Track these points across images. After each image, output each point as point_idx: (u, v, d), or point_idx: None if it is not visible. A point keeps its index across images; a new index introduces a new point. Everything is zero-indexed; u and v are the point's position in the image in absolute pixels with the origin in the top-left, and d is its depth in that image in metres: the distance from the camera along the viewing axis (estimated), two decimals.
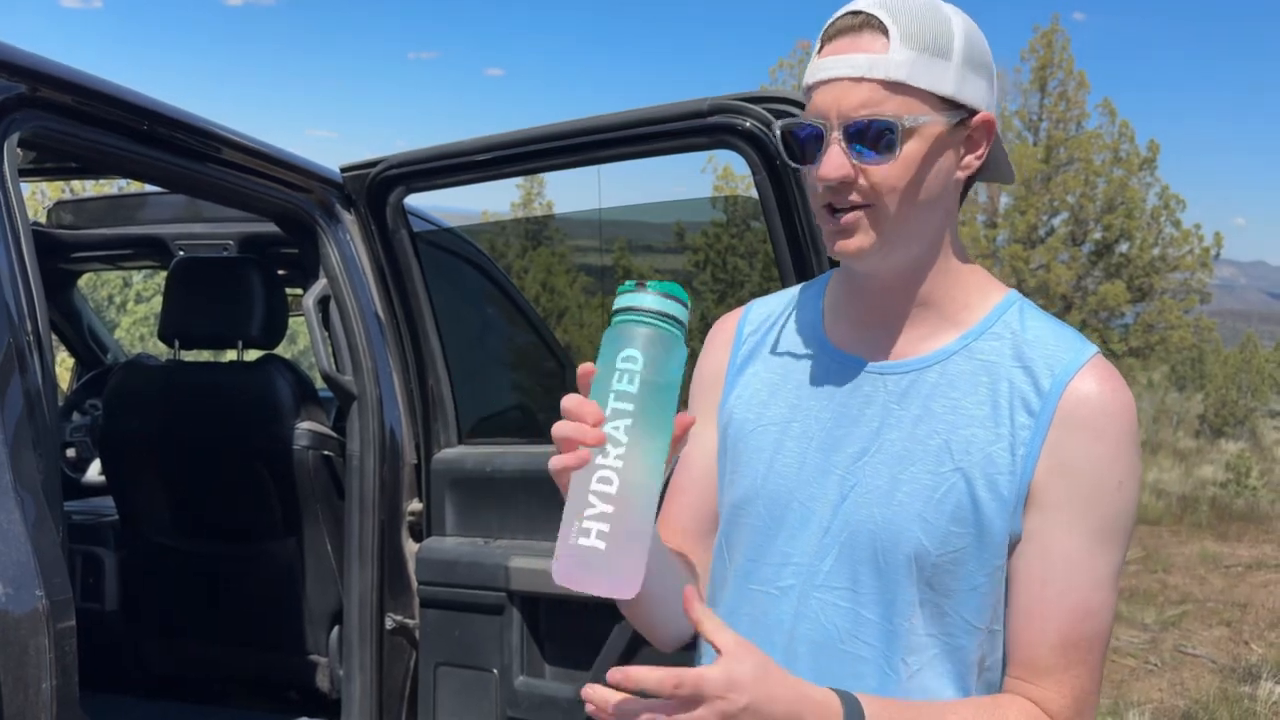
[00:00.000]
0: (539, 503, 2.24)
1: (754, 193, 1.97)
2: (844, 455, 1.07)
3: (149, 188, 3.39)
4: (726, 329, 1.24)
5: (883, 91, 0.98)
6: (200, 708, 2.86)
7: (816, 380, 1.12)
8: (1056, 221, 20.31)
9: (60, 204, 3.58)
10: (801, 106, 1.89)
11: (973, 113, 1.02)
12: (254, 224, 3.07)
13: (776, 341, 1.18)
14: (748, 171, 1.92)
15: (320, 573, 2.72)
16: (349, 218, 2.43)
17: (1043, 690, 1.02)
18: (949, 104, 1.00)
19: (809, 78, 1.04)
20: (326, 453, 2.65)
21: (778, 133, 1.07)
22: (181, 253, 3.14)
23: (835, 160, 0.99)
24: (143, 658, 2.96)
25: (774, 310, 1.22)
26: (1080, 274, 20.09)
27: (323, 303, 2.39)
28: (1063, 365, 1.02)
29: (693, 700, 0.86)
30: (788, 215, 1.86)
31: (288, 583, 2.74)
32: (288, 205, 2.35)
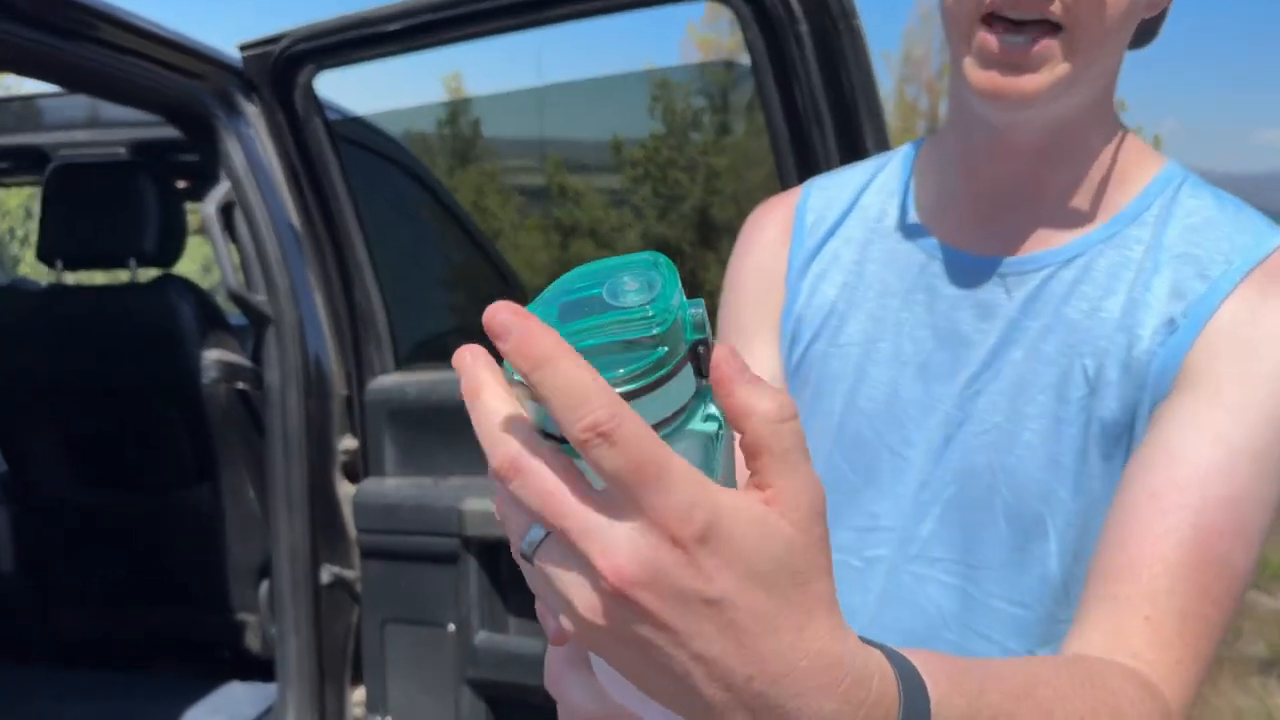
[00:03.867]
0: None
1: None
2: (951, 384, 0.80)
3: (22, 89, 2.95)
4: (780, 216, 0.93)
5: None
6: (120, 675, 2.55)
7: (912, 286, 0.84)
8: None
9: None
10: None
11: None
12: (148, 129, 2.68)
13: (851, 235, 0.89)
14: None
15: (243, 522, 2.41)
16: (253, 110, 2.08)
17: (1143, 639, 0.63)
18: None
19: None
20: (240, 385, 2.32)
21: None
22: None
23: None
24: (51, 624, 2.64)
25: (842, 193, 0.91)
26: None
27: (226, 210, 2.04)
28: (1242, 253, 0.74)
29: (624, 510, 0.37)
30: (785, 82, 1.56)
31: (207, 534, 2.43)
32: (176, 95, 1.99)
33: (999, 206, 0.81)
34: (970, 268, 0.81)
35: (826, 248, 0.89)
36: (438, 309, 2.72)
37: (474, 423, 0.39)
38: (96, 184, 2.35)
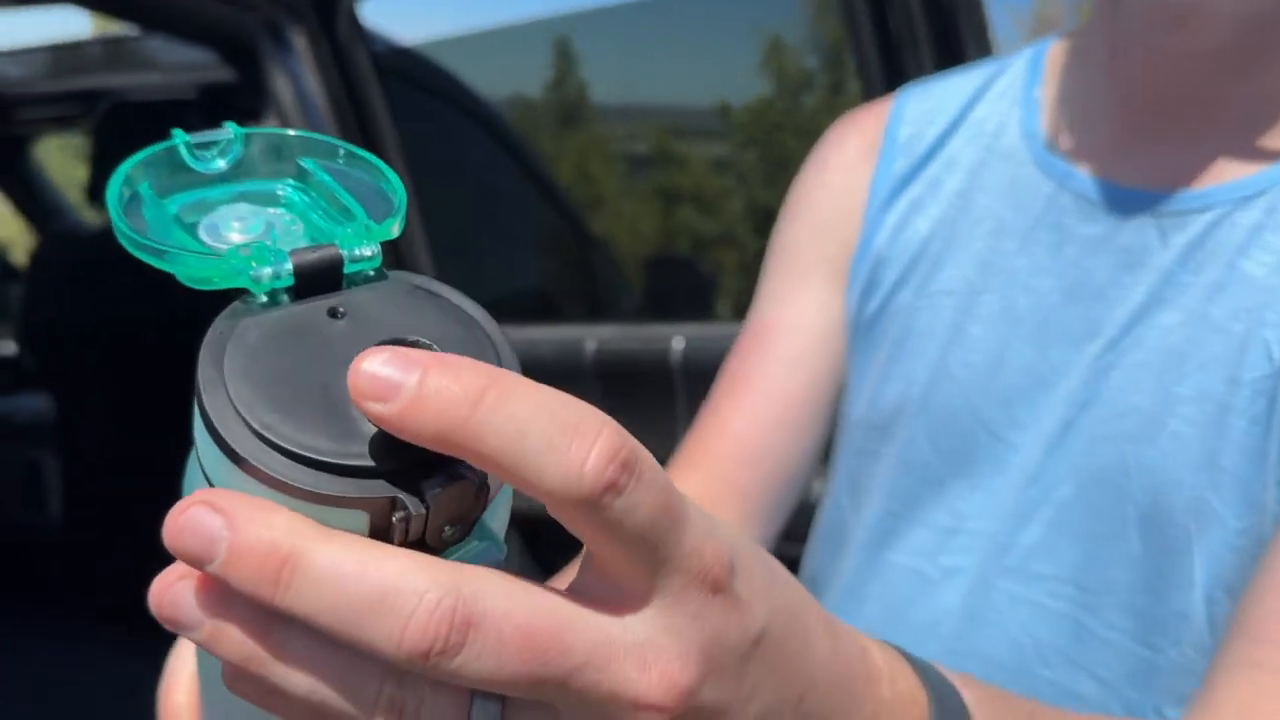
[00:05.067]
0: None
1: None
2: (1079, 352, 0.61)
3: (96, 33, 2.92)
4: (866, 130, 0.74)
5: None
6: (166, 634, 2.49)
7: (1034, 223, 0.65)
8: None
9: None
10: None
11: None
12: (221, 70, 2.61)
13: (957, 155, 0.70)
14: None
15: None
16: (303, 45, 1.96)
17: None
18: None
19: None
20: None
21: None
22: None
23: None
24: (100, 579, 2.59)
25: (948, 102, 0.72)
26: None
27: None
28: None
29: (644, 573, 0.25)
30: (877, 4, 1.35)
31: None
32: (224, 24, 1.89)
33: (1159, 123, 0.61)
34: (1114, 202, 0.61)
35: (924, 171, 0.70)
36: (496, 265, 2.58)
37: (326, 607, 0.24)
38: (148, 124, 2.26)
